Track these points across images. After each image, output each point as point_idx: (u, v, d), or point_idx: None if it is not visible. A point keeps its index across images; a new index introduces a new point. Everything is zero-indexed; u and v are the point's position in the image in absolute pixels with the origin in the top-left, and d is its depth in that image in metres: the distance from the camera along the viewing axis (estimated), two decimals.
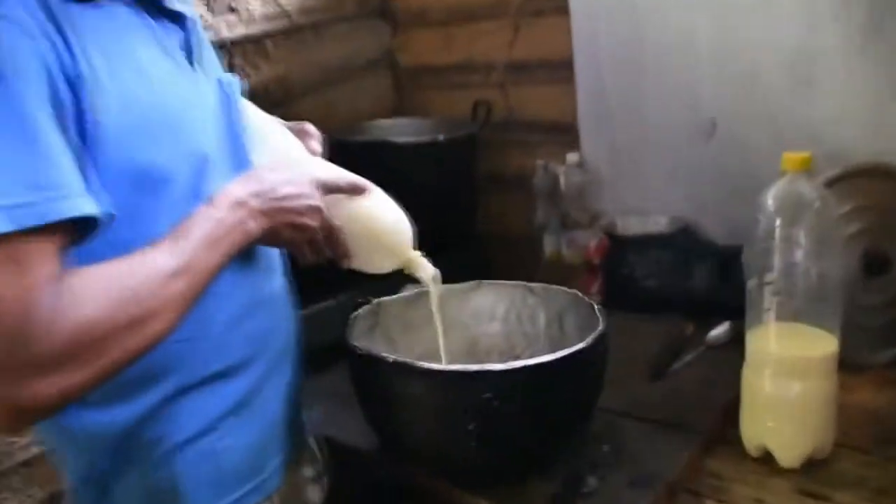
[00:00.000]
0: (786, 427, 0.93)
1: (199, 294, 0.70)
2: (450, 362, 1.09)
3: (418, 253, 0.97)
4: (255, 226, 0.76)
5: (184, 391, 0.78)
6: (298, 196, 0.80)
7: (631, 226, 1.53)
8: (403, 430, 0.92)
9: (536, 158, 1.64)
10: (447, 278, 1.64)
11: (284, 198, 0.79)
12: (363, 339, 1.04)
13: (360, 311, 1.05)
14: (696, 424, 1.03)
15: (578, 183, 1.58)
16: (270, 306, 0.87)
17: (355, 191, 0.89)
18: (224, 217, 0.73)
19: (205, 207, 0.73)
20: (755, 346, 0.97)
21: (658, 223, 1.51)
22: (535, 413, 0.86)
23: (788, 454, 0.93)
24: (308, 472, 1.00)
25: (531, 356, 1.12)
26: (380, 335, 1.08)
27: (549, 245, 1.66)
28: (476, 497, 0.93)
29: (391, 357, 0.86)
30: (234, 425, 0.82)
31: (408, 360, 0.85)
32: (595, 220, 1.58)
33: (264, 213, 0.77)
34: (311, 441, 1.04)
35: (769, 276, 0.95)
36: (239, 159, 0.85)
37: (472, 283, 1.16)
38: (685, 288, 1.41)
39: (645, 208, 1.54)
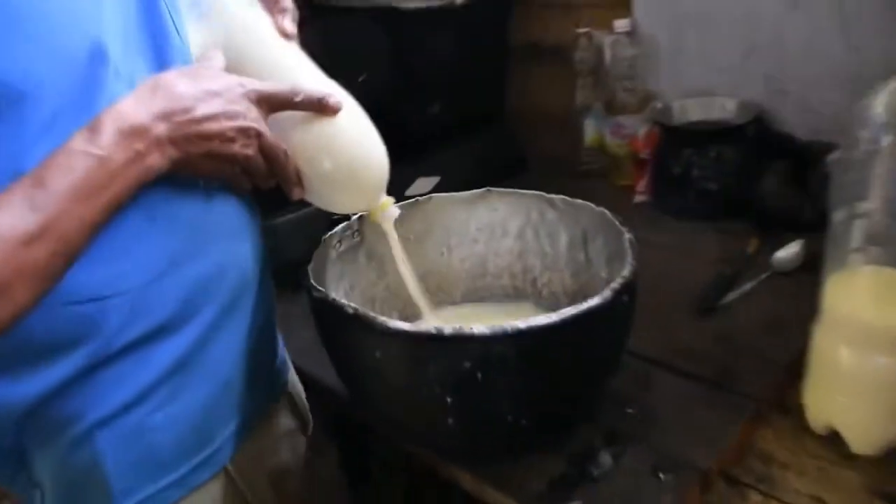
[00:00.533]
0: (862, 406, 0.71)
1: (76, 255, 0.53)
2: (442, 302, 0.90)
3: (390, 200, 0.78)
4: (158, 160, 0.56)
5: (101, 361, 0.61)
6: (225, 115, 0.60)
7: (690, 111, 1.26)
8: (372, 394, 0.73)
9: (578, 25, 1.35)
10: (471, 167, 1.45)
11: (204, 119, 0.58)
12: (339, 261, 0.84)
13: (339, 226, 0.85)
14: (750, 386, 0.81)
15: (628, 56, 1.30)
16: (216, 242, 0.67)
17: (318, 108, 0.67)
18: (109, 154, 0.53)
19: (80, 138, 0.53)
20: (834, 299, 0.73)
21: (724, 109, 1.24)
22: (530, 387, 0.66)
23: (862, 438, 0.72)
24: (285, 423, 0.85)
25: (548, 283, 0.93)
26: (364, 255, 0.88)
27: (589, 131, 1.41)
28: (460, 470, 0.75)
29: (351, 307, 0.66)
30: (170, 394, 0.65)
31: (369, 313, 0.65)
32: (646, 103, 1.31)
33: (173, 141, 0.57)
34: (293, 384, 0.88)
35: (863, 207, 0.70)
36: (160, 51, 0.63)
37: (479, 191, 0.93)
38: (752, 193, 1.15)
39: (709, 89, 1.26)
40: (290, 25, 0.72)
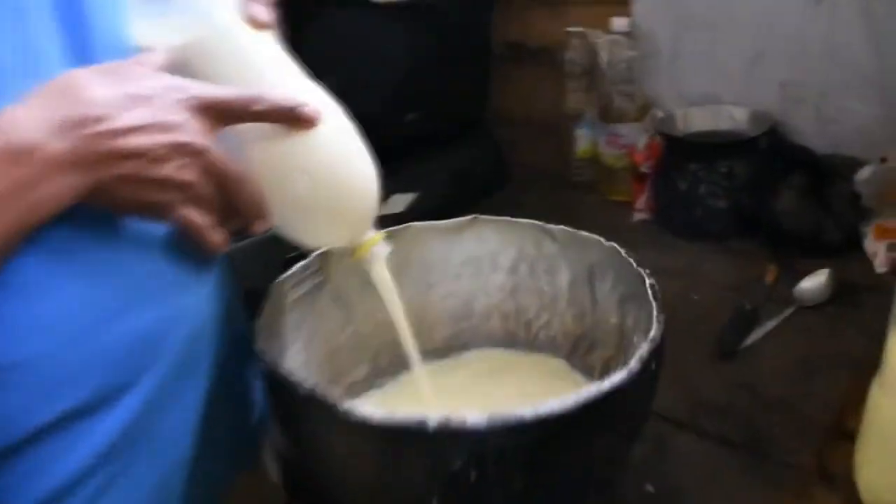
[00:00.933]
0: None
1: None
2: (426, 349, 0.75)
3: (380, 234, 0.63)
4: (58, 188, 0.42)
5: (4, 452, 0.46)
6: (155, 127, 0.45)
7: (695, 120, 1.13)
8: (332, 492, 0.59)
9: (570, 24, 1.22)
10: (450, 181, 1.31)
11: (123, 131, 0.44)
12: (296, 307, 0.70)
13: (296, 266, 0.70)
14: (787, 451, 0.69)
15: (626, 59, 1.17)
16: (159, 293, 0.52)
17: (289, 118, 0.52)
18: None
19: None
20: None
21: (733, 119, 1.11)
22: (535, 483, 0.52)
23: None
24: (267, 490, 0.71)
25: (545, 326, 0.79)
26: (327, 297, 0.74)
27: (582, 140, 1.28)
28: None
29: (306, 385, 0.52)
30: (105, 483, 0.50)
31: (330, 398, 0.50)
32: (645, 110, 1.18)
33: (79, 162, 0.42)
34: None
35: None
36: (83, 42, 0.49)
37: (465, 218, 0.79)
38: (766, 212, 1.03)
39: (715, 96, 1.14)
40: (264, 12, 0.56)
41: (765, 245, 1.03)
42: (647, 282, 0.63)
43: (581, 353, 0.77)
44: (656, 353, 0.54)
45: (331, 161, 0.56)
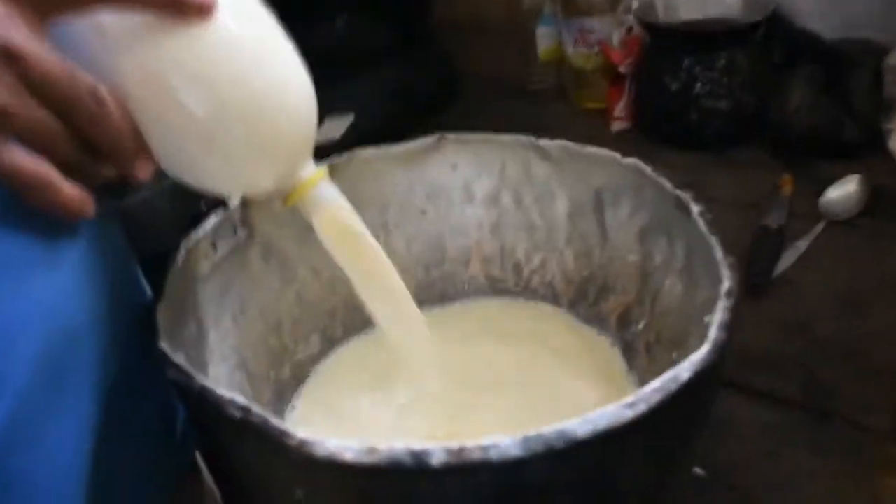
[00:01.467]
0: None
1: None
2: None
3: (321, 170, 0.44)
4: None
5: None
6: None
7: (679, 7, 0.95)
8: None
9: None
10: (392, 98, 1.10)
11: None
12: (217, 275, 0.51)
13: (210, 222, 0.51)
14: (853, 407, 0.55)
15: None
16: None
17: (173, 3, 0.34)
18: None
19: None
20: None
21: (724, 3, 0.94)
22: None
23: None
24: None
25: (539, 269, 0.63)
26: (257, 256, 0.56)
27: (544, 40, 1.09)
28: None
29: (237, 408, 0.34)
30: None
31: (279, 427, 0.32)
32: None
33: None
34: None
35: None
36: None
37: (428, 139, 0.61)
38: (773, 111, 0.87)
39: None
40: None
41: (774, 152, 0.88)
42: (695, 209, 0.46)
43: (589, 301, 0.60)
44: (735, 313, 0.38)
45: (241, 67, 0.37)
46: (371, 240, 0.47)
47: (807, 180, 0.81)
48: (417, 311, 0.48)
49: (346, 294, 0.57)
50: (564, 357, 0.57)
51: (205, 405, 0.35)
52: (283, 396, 0.56)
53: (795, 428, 0.54)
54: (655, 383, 0.33)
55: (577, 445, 0.30)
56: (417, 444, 0.30)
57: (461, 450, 0.30)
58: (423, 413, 0.53)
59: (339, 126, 0.99)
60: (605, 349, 0.58)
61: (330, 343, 0.61)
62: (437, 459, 0.30)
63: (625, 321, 0.57)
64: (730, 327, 0.36)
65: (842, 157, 0.83)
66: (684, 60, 0.88)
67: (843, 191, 0.77)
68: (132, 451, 0.45)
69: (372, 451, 0.30)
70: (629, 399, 0.32)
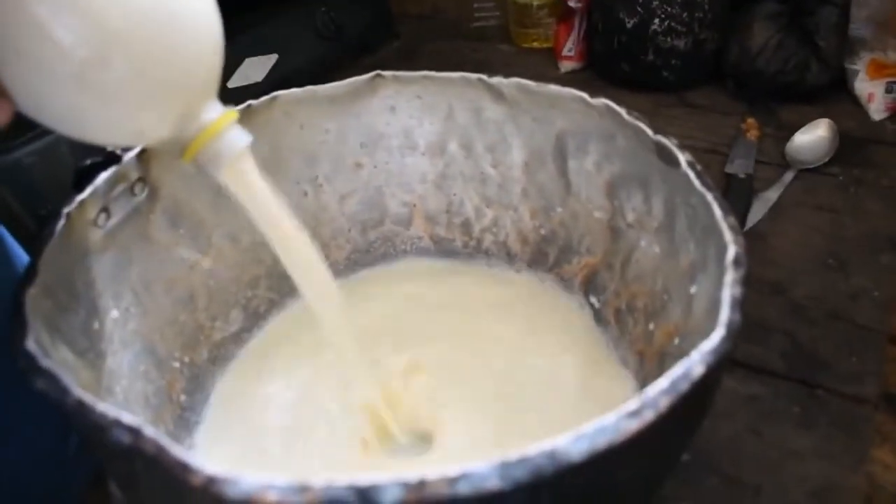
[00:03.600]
0: None
1: None
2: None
3: (230, 114, 0.35)
4: None
5: None
6: None
7: None
8: None
9: None
10: (317, 38, 0.99)
11: None
12: (110, 246, 0.42)
13: (100, 179, 0.41)
14: (840, 375, 0.50)
15: None
16: None
17: None
18: None
19: None
20: None
21: None
22: None
23: None
24: None
25: (492, 228, 0.56)
26: (162, 219, 0.46)
27: None
28: None
29: (125, 430, 0.25)
30: None
31: (178, 457, 0.24)
32: None
33: None
34: None
35: None
36: None
37: (361, 78, 0.52)
38: (733, 50, 0.81)
39: None
40: None
41: (735, 94, 0.82)
42: (682, 158, 0.39)
43: (549, 263, 0.54)
44: (747, 287, 0.31)
45: None
46: (270, 197, 0.38)
47: (770, 125, 0.76)
48: (327, 276, 0.40)
49: (270, 262, 0.50)
50: (522, 317, 0.51)
51: (85, 424, 0.27)
52: (200, 384, 0.48)
53: (780, 402, 0.49)
54: (663, 382, 0.26)
55: (570, 470, 0.23)
56: (364, 478, 0.23)
57: (421, 484, 0.23)
58: (359, 384, 0.45)
59: (260, 67, 0.89)
60: (572, 310, 0.51)
61: (254, 318, 0.53)
62: (390, 497, 0.23)
63: (590, 286, 0.51)
64: (743, 305, 0.30)
65: (806, 100, 0.78)
66: None
67: (812, 136, 0.71)
68: (10, 464, 0.37)
69: (304, 489, 0.23)
70: (632, 405, 0.25)
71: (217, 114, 0.33)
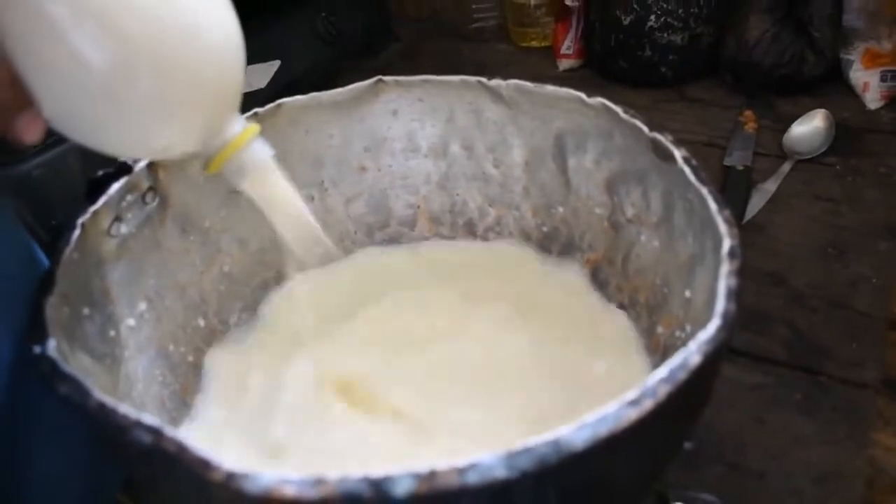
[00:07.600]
0: None
1: None
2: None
3: (253, 128, 0.36)
4: None
5: None
6: None
7: None
8: None
9: None
10: (318, 43, 1.00)
11: None
12: (122, 255, 0.43)
13: (113, 190, 0.43)
14: (840, 362, 0.51)
15: None
16: None
17: None
18: None
19: None
20: None
21: None
22: None
23: None
24: None
25: (495, 226, 0.57)
26: (173, 227, 0.47)
27: None
28: None
29: (146, 430, 0.27)
30: None
31: (199, 454, 0.26)
32: None
33: None
34: None
35: None
36: None
37: (363, 84, 0.54)
38: (730, 45, 0.82)
39: None
40: None
41: (733, 86, 0.83)
42: (678, 154, 0.40)
43: (552, 258, 0.55)
44: (742, 277, 0.32)
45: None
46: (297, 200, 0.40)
47: (768, 116, 0.77)
48: None
49: (279, 266, 0.51)
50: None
51: (106, 426, 0.28)
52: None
53: (781, 390, 0.50)
54: (662, 372, 0.27)
55: (573, 458, 0.25)
56: (377, 471, 0.24)
57: (432, 475, 0.24)
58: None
59: (263, 73, 0.90)
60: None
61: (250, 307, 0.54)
62: (402, 488, 0.24)
63: (593, 282, 0.52)
64: (738, 295, 0.31)
65: (799, 91, 0.79)
66: None
67: (809, 127, 0.72)
68: (48, 461, 0.38)
69: (319, 482, 0.24)
70: (632, 395, 0.26)
71: (241, 127, 0.35)
